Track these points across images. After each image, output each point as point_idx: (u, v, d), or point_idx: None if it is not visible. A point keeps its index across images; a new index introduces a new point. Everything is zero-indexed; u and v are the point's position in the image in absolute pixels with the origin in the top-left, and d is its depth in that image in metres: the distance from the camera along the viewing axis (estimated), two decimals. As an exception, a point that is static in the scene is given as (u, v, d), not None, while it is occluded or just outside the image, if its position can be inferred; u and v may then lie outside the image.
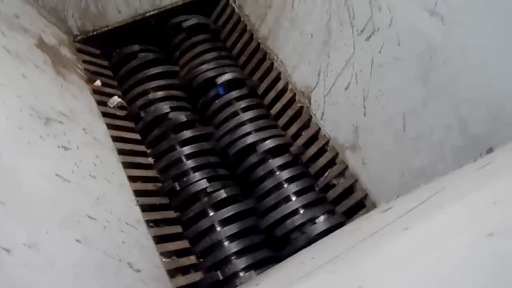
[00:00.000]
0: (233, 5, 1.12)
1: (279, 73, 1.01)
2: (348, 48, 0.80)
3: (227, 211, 0.89)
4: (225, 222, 0.89)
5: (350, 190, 0.89)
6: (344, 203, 0.88)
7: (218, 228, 0.88)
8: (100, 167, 0.76)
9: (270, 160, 0.95)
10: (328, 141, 0.92)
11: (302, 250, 0.65)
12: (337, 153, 0.90)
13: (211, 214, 0.90)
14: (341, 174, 0.90)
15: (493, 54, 0.57)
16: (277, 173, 0.94)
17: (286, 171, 0.93)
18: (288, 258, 0.66)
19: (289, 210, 0.89)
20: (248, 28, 1.09)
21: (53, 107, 0.74)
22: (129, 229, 0.71)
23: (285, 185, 0.93)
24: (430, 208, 0.40)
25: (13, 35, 0.74)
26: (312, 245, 0.65)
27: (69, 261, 0.52)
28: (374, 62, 0.75)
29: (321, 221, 0.88)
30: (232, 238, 0.87)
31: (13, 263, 0.43)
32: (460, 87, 0.64)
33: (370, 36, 0.75)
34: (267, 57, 1.04)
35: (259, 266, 0.82)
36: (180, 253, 0.84)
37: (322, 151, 0.93)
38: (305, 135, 0.97)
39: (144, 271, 0.67)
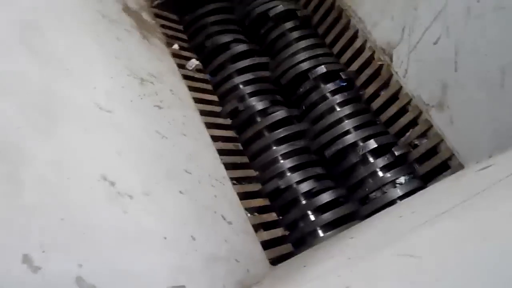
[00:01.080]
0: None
1: (357, 30, 0.97)
2: (440, -1, 0.75)
3: (305, 173, 0.91)
4: (303, 180, 0.90)
5: (433, 151, 0.86)
6: (427, 164, 0.86)
7: (296, 186, 0.90)
8: (188, 126, 0.79)
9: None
10: (410, 100, 0.89)
11: (393, 206, 0.65)
12: (420, 112, 0.87)
13: (288, 175, 0.92)
14: (424, 134, 0.88)
15: None
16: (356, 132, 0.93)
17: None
18: (378, 214, 0.66)
19: (369, 171, 0.89)
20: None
21: (144, 68, 0.77)
22: (218, 184, 0.75)
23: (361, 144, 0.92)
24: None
25: (105, 0, 0.78)
26: (405, 200, 0.64)
27: (177, 209, 0.56)
28: (471, 12, 0.70)
29: (403, 183, 0.87)
30: (311, 195, 0.89)
31: (136, 208, 0.47)
32: None
33: (467, -16, 0.70)
34: (343, 14, 1.01)
35: (341, 223, 0.83)
36: (261, 210, 0.87)
37: (403, 110, 0.91)
38: (385, 94, 0.94)
39: (234, 223, 0.71)
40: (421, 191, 0.70)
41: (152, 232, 0.48)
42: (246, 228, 0.74)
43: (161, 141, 0.64)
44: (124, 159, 0.51)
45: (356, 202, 0.89)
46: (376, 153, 0.90)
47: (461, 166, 0.81)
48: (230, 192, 0.78)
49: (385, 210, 0.66)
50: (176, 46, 1.04)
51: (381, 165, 0.88)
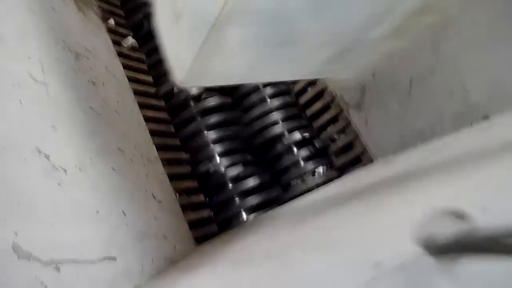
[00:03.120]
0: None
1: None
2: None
3: (234, 158, 0.96)
4: (231, 164, 0.95)
5: (349, 146, 0.96)
6: (343, 157, 0.96)
7: (223, 170, 0.95)
8: (122, 105, 0.79)
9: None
10: (333, 98, 0.98)
11: (310, 192, 0.73)
12: (341, 110, 0.96)
13: (218, 160, 0.96)
14: (343, 130, 0.97)
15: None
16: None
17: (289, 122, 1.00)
18: (295, 199, 0.73)
19: (292, 161, 0.96)
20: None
21: (79, 42, 0.76)
22: (150, 164, 0.77)
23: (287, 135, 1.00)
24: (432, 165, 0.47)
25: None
26: (320, 188, 0.72)
27: (109, 185, 0.57)
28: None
29: (321, 172, 0.96)
30: (237, 179, 0.94)
31: (70, 182, 0.48)
32: (468, 59, 0.70)
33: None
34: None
35: (266, 206, 0.90)
36: (189, 192, 0.90)
37: (327, 107, 0.99)
38: (312, 91, 1.02)
39: (163, 202, 0.73)
40: (336, 180, 0.79)
41: (85, 205, 0.49)
42: (174, 208, 0.77)
43: (96, 117, 0.65)
44: (59, 133, 0.52)
45: (279, 188, 0.96)
46: (299, 144, 0.99)
47: (371, 161, 0.92)
48: (161, 172, 0.80)
49: (304, 195, 0.73)
50: (112, 22, 1.02)
51: (303, 156, 0.97)
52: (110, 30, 0.98)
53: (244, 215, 0.92)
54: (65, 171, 0.48)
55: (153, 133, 0.88)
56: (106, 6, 1.03)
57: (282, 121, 1.00)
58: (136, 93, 0.92)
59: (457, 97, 0.72)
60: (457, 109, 0.73)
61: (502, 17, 0.62)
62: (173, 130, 0.97)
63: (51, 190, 0.45)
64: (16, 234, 0.36)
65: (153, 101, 0.97)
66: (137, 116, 0.85)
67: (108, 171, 0.59)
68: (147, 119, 0.90)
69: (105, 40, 0.90)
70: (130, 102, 0.85)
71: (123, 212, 0.57)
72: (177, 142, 0.94)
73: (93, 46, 0.82)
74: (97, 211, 0.51)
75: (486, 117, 0.68)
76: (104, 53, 0.86)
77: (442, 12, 0.70)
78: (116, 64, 0.91)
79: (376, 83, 0.86)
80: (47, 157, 0.46)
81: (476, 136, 0.58)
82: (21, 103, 0.47)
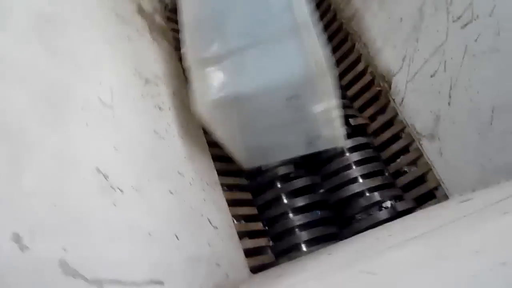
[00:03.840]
0: (319, -17, 1.12)
1: (360, 55, 1.01)
2: (440, 34, 0.78)
3: (296, 184, 0.93)
4: (292, 194, 0.93)
5: (421, 179, 0.88)
6: (414, 191, 0.88)
7: (285, 200, 0.92)
8: (187, 129, 0.82)
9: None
10: (404, 128, 0.91)
11: (375, 228, 0.67)
12: (412, 141, 0.90)
13: (279, 185, 0.94)
14: (414, 162, 0.90)
15: None
16: (347, 154, 0.96)
17: (356, 153, 0.95)
18: (359, 234, 0.68)
19: (355, 191, 0.91)
20: (332, 7, 1.10)
21: (150, 70, 0.80)
22: (209, 189, 0.77)
23: (354, 167, 0.95)
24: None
25: (120, 0, 0.81)
26: (385, 224, 0.66)
27: (164, 208, 0.58)
28: (468, 51, 0.73)
29: (388, 206, 0.89)
30: (298, 210, 0.91)
31: (126, 202, 0.50)
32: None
33: (466, 24, 0.72)
34: (349, 38, 1.04)
35: (324, 240, 0.85)
36: (248, 218, 0.89)
37: (396, 137, 0.93)
38: (380, 119, 0.97)
39: (220, 228, 0.73)
40: (404, 217, 0.72)
41: (138, 226, 0.50)
42: (231, 234, 0.76)
43: (158, 141, 0.67)
44: (120, 154, 0.54)
45: (340, 222, 0.91)
46: (366, 175, 0.93)
47: (446, 197, 0.83)
48: (219, 197, 0.80)
49: (367, 231, 0.68)
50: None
51: (369, 187, 0.91)
52: (182, 59, 1.03)
53: (304, 247, 0.88)
54: (121, 191, 0.49)
55: (215, 158, 0.89)
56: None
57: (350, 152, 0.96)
58: (202, 118, 0.94)
59: (550, 129, 0.63)
60: (550, 143, 0.64)
61: None
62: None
63: (105, 209, 0.46)
64: (65, 250, 0.37)
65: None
66: (201, 140, 0.87)
67: (165, 194, 0.60)
68: (210, 144, 0.91)
69: (176, 67, 0.94)
70: (195, 127, 0.87)
71: (176, 236, 0.57)
72: (237, 167, 0.94)
73: (163, 73, 0.86)
74: (149, 233, 0.51)
75: None
76: (173, 80, 0.90)
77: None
78: (185, 90, 0.94)
79: (451, 112, 0.79)
80: (105, 177, 0.48)
81: None
82: (87, 125, 0.50)
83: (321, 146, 0.88)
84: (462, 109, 0.76)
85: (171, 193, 0.62)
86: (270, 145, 0.86)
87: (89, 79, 0.56)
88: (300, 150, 0.88)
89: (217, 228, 0.71)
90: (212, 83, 0.74)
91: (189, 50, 0.78)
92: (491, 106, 0.71)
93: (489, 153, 0.73)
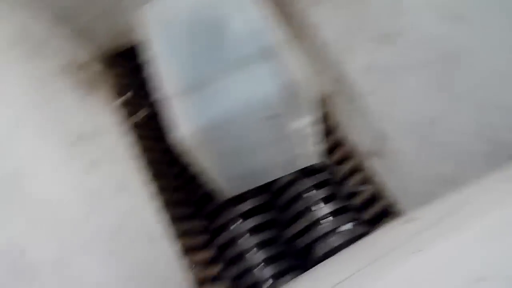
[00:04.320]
0: None
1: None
2: (371, 53, 0.79)
3: (252, 221, 0.90)
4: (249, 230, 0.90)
5: (376, 197, 0.87)
6: (371, 210, 0.87)
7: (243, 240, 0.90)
8: (128, 181, 0.79)
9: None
10: (353, 148, 0.91)
11: (321, 263, 0.65)
12: (362, 160, 0.89)
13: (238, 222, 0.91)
14: (367, 181, 0.89)
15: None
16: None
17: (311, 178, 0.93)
18: (305, 273, 0.66)
19: (312, 220, 0.89)
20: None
21: (80, 127, 0.77)
22: (155, 240, 0.74)
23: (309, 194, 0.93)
24: (448, 227, 0.40)
25: (40, 59, 0.78)
26: (330, 258, 0.64)
27: (101, 272, 0.55)
28: (400, 67, 0.73)
29: (347, 229, 0.87)
30: (256, 247, 0.88)
31: (46, 278, 0.46)
32: (489, 93, 0.62)
33: (393, 41, 0.73)
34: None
35: (282, 275, 0.83)
36: (206, 263, 0.86)
37: (346, 157, 0.92)
38: (329, 139, 0.96)
39: (171, 279, 0.69)
40: (352, 246, 0.70)
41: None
42: (181, 285, 0.73)
43: (90, 201, 0.64)
44: (39, 228, 0.51)
45: (300, 253, 0.89)
46: (321, 200, 0.91)
47: (401, 213, 0.82)
48: (168, 247, 0.77)
49: (310, 270, 0.66)
50: (129, 94, 1.05)
51: (325, 213, 0.89)
52: (126, 103, 1.00)
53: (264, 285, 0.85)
54: (41, 266, 0.46)
55: (167, 203, 0.86)
56: (124, 81, 1.07)
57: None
58: (150, 163, 0.91)
59: (485, 137, 0.63)
60: (486, 150, 0.64)
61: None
62: (189, 197, 0.95)
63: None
64: None
65: (170, 170, 0.96)
66: (146, 189, 0.84)
67: (100, 258, 0.57)
68: (160, 189, 0.88)
69: (115, 117, 0.92)
70: (138, 176, 0.84)
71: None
72: (192, 210, 0.92)
73: (98, 127, 0.83)
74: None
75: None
76: (111, 131, 0.87)
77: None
78: (126, 140, 0.92)
79: (393, 128, 0.79)
80: (22, 253, 0.45)
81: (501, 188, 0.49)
82: (-6, 203, 0.47)
83: (301, 164, 0.87)
84: (403, 125, 0.77)
85: (110, 254, 0.59)
86: (251, 170, 0.85)
87: (2, 151, 0.53)
88: (280, 171, 0.88)
89: (167, 279, 0.68)
90: (188, 114, 0.72)
91: (162, 83, 0.76)
92: (429, 119, 0.71)
93: (433, 166, 0.73)
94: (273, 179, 0.90)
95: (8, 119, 0.59)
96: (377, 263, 0.40)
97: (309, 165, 0.90)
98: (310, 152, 0.85)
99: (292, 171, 0.89)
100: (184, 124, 0.71)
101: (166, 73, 0.77)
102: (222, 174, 0.82)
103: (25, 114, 0.63)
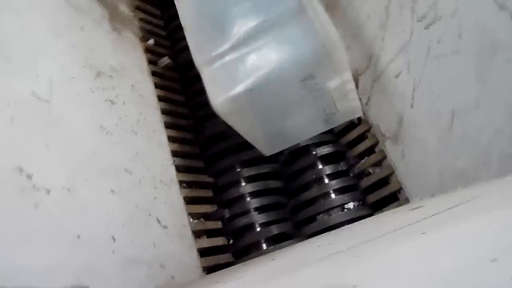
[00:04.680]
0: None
1: (331, 52, 0.98)
2: (405, 34, 0.76)
3: (258, 185, 0.91)
4: (254, 194, 0.91)
5: (385, 181, 0.87)
6: (377, 193, 0.87)
7: (248, 199, 0.91)
8: (143, 124, 0.79)
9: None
10: (370, 128, 0.89)
11: (324, 234, 0.65)
12: (377, 142, 0.88)
13: (243, 184, 0.92)
14: (379, 163, 0.88)
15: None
16: (313, 152, 0.94)
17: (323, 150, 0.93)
18: (309, 239, 0.66)
19: (320, 192, 0.89)
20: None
21: (105, 61, 0.77)
22: (162, 187, 0.75)
23: (320, 167, 0.93)
24: (455, 216, 0.39)
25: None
26: (335, 230, 0.65)
27: (102, 208, 0.56)
28: (431, 52, 0.71)
29: (351, 208, 0.88)
30: (259, 209, 0.89)
31: (51, 203, 0.47)
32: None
33: (430, 24, 0.70)
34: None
35: (282, 239, 0.84)
36: (207, 216, 0.87)
37: (362, 137, 0.91)
38: (348, 119, 0.95)
39: (170, 227, 0.71)
40: (355, 223, 0.70)
41: (65, 229, 0.48)
42: (183, 234, 0.74)
43: (104, 137, 0.64)
44: (52, 152, 0.51)
45: (301, 222, 0.90)
46: (331, 175, 0.91)
47: (407, 201, 0.82)
48: (174, 195, 0.78)
49: (315, 237, 0.66)
50: (151, 42, 1.04)
51: (333, 188, 0.89)
52: (148, 50, 1.00)
53: (264, 246, 0.87)
54: (48, 191, 0.47)
55: (175, 154, 0.87)
56: (148, 27, 1.06)
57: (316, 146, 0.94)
58: (164, 112, 0.91)
59: (506, 137, 0.61)
60: (506, 151, 0.62)
61: None
62: (198, 151, 0.95)
63: (24, 211, 0.44)
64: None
65: (182, 121, 0.96)
66: (159, 135, 0.84)
67: (104, 193, 0.58)
68: (171, 139, 0.89)
69: (139, 59, 0.91)
70: (153, 121, 0.84)
71: (113, 237, 0.55)
72: (199, 164, 0.92)
73: (122, 65, 0.83)
74: (78, 236, 0.49)
75: (540, 163, 0.57)
76: (133, 72, 0.87)
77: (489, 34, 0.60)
78: (147, 84, 0.92)
79: (414, 115, 0.77)
80: (29, 176, 0.46)
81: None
82: (12, 120, 0.48)
83: (339, 121, 0.86)
84: (424, 112, 0.74)
85: (113, 192, 0.60)
86: (289, 129, 0.84)
87: (22, 71, 0.53)
88: (318, 128, 0.86)
89: (166, 227, 0.69)
90: (224, 79, 0.72)
91: (196, 50, 0.75)
92: (451, 111, 0.69)
93: (447, 159, 0.71)
94: (312, 135, 0.88)
95: (33, 42, 0.59)
96: (378, 240, 0.40)
97: (348, 120, 0.88)
98: (348, 107, 0.82)
99: (332, 127, 0.87)
100: (221, 91, 0.71)
101: (197, 36, 0.75)
102: (261, 134, 0.81)
103: (51, 39, 0.63)
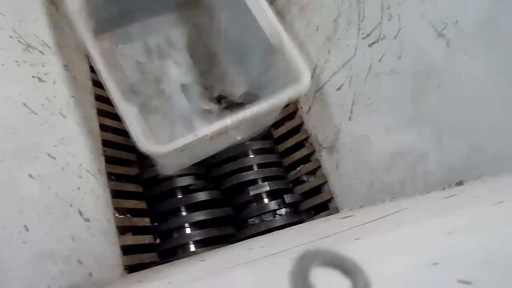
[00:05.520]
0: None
1: (277, 58, 0.99)
2: (350, 49, 0.78)
3: (193, 182, 0.88)
4: (186, 191, 0.88)
5: (317, 190, 0.89)
6: (309, 201, 0.88)
7: (179, 196, 0.87)
8: (73, 108, 0.73)
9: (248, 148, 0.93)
10: (308, 137, 0.91)
11: (256, 237, 0.65)
12: (314, 151, 0.90)
13: (175, 179, 0.89)
14: (313, 172, 0.90)
15: (487, 90, 0.57)
16: (251, 156, 0.93)
17: (261, 156, 0.93)
18: (240, 242, 0.65)
19: (253, 196, 0.88)
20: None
21: (37, 35, 0.70)
22: (88, 176, 0.69)
23: (256, 169, 0.92)
24: (387, 224, 0.40)
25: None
26: (267, 234, 0.64)
27: (16, 194, 0.50)
28: (372, 69, 0.74)
29: (283, 214, 0.88)
30: (190, 208, 0.86)
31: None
32: (447, 114, 0.63)
33: (374, 43, 0.73)
34: (269, 39, 1.02)
35: (212, 242, 0.82)
36: (135, 213, 0.82)
37: (300, 145, 0.93)
38: (288, 125, 0.96)
39: (93, 221, 0.66)
40: (288, 228, 0.71)
41: (-33, 213, 0.42)
42: (106, 229, 0.69)
43: (26, 115, 0.58)
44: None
45: (234, 224, 0.88)
46: (264, 179, 0.91)
47: (337, 210, 0.84)
48: (100, 187, 0.73)
49: (248, 239, 0.65)
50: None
51: (267, 194, 0.89)
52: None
53: (192, 247, 0.84)
54: (-50, 169, 0.41)
55: (106, 143, 0.82)
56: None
57: (253, 154, 0.93)
58: (98, 98, 0.86)
59: (432, 156, 0.65)
60: (431, 169, 0.66)
61: (496, 75, 0.56)
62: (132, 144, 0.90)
63: None
64: None
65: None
66: (90, 123, 0.78)
67: (21, 178, 0.52)
68: (103, 128, 0.83)
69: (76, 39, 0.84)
70: (85, 107, 0.79)
71: (26, 227, 0.49)
72: (132, 157, 0.87)
73: (56, 42, 0.76)
74: (-16, 222, 0.43)
75: (460, 183, 0.61)
76: (69, 51, 0.80)
77: (426, 61, 0.64)
78: (82, 66, 0.85)
79: (351, 127, 0.79)
80: None
81: (442, 203, 0.51)
82: None
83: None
84: (361, 126, 0.77)
85: (32, 177, 0.54)
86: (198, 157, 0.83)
87: None
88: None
89: (89, 220, 0.64)
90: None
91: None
92: (386, 126, 0.72)
93: (378, 172, 0.74)
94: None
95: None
96: (312, 244, 0.40)
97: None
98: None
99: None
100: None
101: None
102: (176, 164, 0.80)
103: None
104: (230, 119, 0.66)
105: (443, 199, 0.50)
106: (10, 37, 0.62)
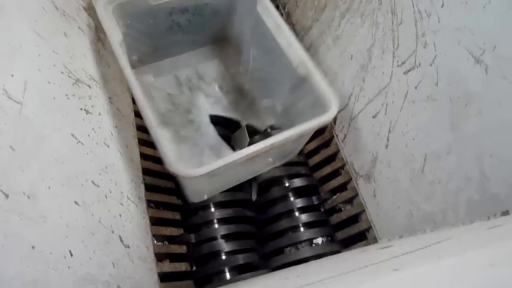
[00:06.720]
0: (281, 11, 1.12)
1: (312, 87, 1.00)
2: (385, 77, 0.78)
3: (227, 212, 0.89)
4: (222, 221, 0.89)
5: (355, 219, 0.87)
6: (346, 230, 0.87)
7: (215, 225, 0.88)
8: (116, 138, 0.77)
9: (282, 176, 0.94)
10: (344, 165, 0.90)
11: (292, 267, 0.64)
12: (350, 179, 0.88)
13: (212, 210, 0.90)
14: (350, 200, 0.89)
15: (531, 115, 0.55)
16: (286, 184, 0.93)
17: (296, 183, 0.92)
18: (276, 271, 0.65)
19: (289, 225, 0.88)
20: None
21: (85, 70, 0.75)
22: (129, 204, 0.72)
23: (292, 199, 0.92)
24: (427, 255, 0.39)
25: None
26: (303, 264, 0.63)
27: (63, 220, 0.53)
28: (408, 97, 0.73)
29: (319, 244, 0.87)
30: (226, 237, 0.87)
31: (8, 208, 0.44)
32: (488, 141, 0.61)
33: (409, 70, 0.73)
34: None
35: (248, 269, 0.81)
36: (172, 240, 0.84)
37: (336, 173, 0.92)
38: (323, 153, 0.95)
39: (133, 248, 0.68)
40: (324, 258, 0.70)
41: (18, 237, 0.45)
42: (145, 255, 0.71)
43: (74, 146, 0.62)
44: (16, 154, 0.49)
45: (269, 253, 0.88)
46: (302, 209, 0.91)
47: (375, 240, 0.82)
48: (140, 214, 0.75)
49: (284, 269, 0.65)
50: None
51: (303, 221, 0.88)
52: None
53: (228, 275, 0.84)
54: (6, 196, 0.44)
55: (146, 172, 0.85)
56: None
57: (288, 179, 0.93)
58: (139, 129, 0.90)
59: (474, 184, 0.63)
60: (473, 198, 0.63)
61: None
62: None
63: (-23, 214, 0.40)
64: None
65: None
66: (132, 152, 0.82)
67: (67, 205, 0.55)
68: (144, 157, 0.87)
69: (120, 73, 0.90)
70: (128, 137, 0.82)
71: (70, 252, 0.52)
72: (171, 185, 0.90)
73: (102, 76, 0.81)
74: (33, 247, 0.46)
75: (506, 213, 0.59)
76: (113, 85, 0.85)
77: (464, 87, 0.63)
78: (125, 98, 0.90)
79: (388, 155, 0.78)
80: (-14, 178, 0.43)
81: (486, 233, 0.49)
82: (-23, 117, 0.45)
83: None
84: (398, 154, 0.76)
85: (77, 204, 0.57)
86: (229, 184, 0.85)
87: (-3, 69, 0.51)
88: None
89: (128, 247, 0.66)
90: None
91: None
92: (424, 154, 0.71)
93: (417, 201, 0.72)
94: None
95: (12, 41, 0.57)
96: (349, 274, 0.39)
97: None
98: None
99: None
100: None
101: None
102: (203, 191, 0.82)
103: (32, 41, 0.61)
104: (258, 145, 0.68)
105: (487, 230, 0.48)
106: (62, 72, 0.67)
